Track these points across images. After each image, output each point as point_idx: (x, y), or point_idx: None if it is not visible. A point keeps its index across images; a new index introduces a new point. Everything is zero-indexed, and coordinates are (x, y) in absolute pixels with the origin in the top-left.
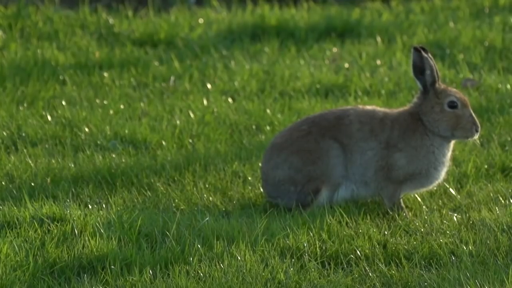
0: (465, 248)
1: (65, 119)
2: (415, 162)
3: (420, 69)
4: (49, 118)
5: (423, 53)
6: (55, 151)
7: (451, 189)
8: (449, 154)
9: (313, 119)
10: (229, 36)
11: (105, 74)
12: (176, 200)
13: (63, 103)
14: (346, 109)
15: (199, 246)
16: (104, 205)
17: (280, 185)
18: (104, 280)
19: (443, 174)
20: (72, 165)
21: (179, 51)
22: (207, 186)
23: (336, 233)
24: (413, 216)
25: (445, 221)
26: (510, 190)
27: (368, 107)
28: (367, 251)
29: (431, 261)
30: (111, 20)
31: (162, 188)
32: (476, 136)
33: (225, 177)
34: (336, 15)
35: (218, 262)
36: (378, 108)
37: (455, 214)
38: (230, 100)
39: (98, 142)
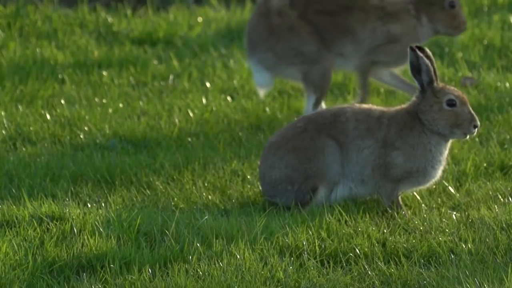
0: (464, 247)
1: (64, 118)
2: (412, 160)
3: (417, 68)
4: (48, 117)
5: (419, 52)
6: (54, 150)
7: (450, 188)
8: (446, 153)
9: (310, 117)
10: (228, 35)
11: (104, 73)
12: (175, 199)
13: (62, 102)
14: (343, 107)
15: (198, 244)
16: (103, 204)
17: (277, 184)
18: (103, 279)
19: (440, 172)
20: (71, 164)
21: (178, 50)
22: (206, 184)
23: (335, 231)
24: (412, 215)
25: (444, 220)
26: (509, 189)
27: (365, 106)
28: (366, 249)
29: (430, 259)
30: (110, 19)
31: (161, 186)
32: (475, 132)
33: (224, 176)
34: None
35: (217, 261)
36: (375, 107)
37: (454, 213)
38: (229, 98)
39: (97, 141)
